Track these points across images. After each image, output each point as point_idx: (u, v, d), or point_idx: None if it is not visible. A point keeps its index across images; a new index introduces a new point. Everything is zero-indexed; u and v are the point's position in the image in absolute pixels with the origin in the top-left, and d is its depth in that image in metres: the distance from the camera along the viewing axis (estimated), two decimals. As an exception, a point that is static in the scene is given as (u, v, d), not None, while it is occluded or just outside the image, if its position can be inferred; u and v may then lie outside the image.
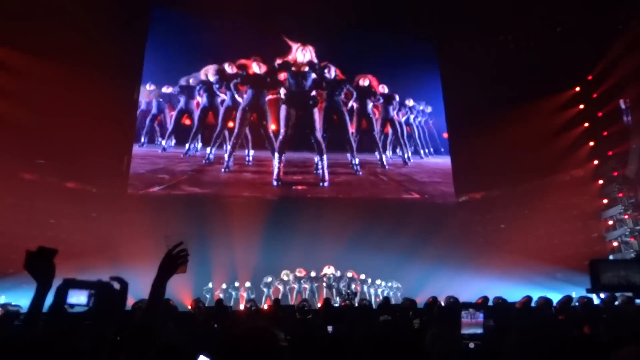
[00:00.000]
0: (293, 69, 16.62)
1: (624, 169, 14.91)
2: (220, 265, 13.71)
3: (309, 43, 16.94)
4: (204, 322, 6.24)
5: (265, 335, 1.63)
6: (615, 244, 14.88)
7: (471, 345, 1.55)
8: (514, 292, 9.77)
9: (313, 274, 14.41)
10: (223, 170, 15.55)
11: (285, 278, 14.30)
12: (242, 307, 12.38)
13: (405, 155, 17.07)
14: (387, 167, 16.75)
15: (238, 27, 16.45)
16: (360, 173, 16.37)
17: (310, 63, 16.79)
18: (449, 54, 17.64)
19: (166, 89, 15.98)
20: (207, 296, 13.22)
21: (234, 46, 16.28)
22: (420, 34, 17.56)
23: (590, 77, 16.09)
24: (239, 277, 14.04)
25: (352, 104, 16.85)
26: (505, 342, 1.22)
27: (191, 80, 16.08)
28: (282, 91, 16.32)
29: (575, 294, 9.04)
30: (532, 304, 7.44)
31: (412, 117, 17.60)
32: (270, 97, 16.30)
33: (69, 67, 13.51)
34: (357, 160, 16.37)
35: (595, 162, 15.82)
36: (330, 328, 5.31)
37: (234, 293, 13.78)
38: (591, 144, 15.98)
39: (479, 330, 1.53)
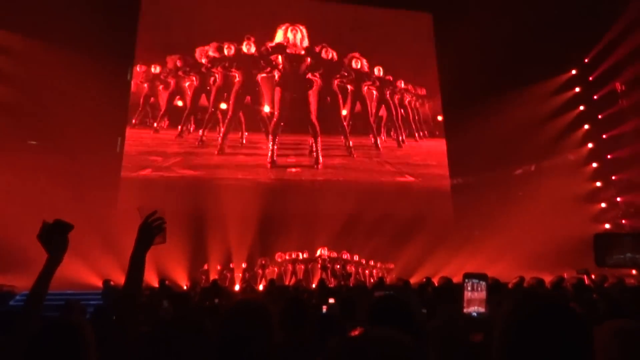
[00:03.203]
0: (288, 51, 16.42)
1: (618, 152, 15.00)
2: (215, 247, 13.76)
3: (300, 22, 16.66)
4: (199, 302, 6.29)
5: (256, 306, 1.67)
6: (607, 225, 15.06)
7: (474, 314, 1.57)
8: (506, 273, 9.89)
9: (307, 255, 14.50)
10: (217, 152, 15.48)
11: (279, 260, 14.39)
12: (237, 287, 12.48)
13: (400, 138, 17.04)
14: (381, 149, 16.73)
15: (230, 7, 16.19)
16: (354, 156, 16.34)
17: (307, 47, 16.56)
18: (445, 35, 17.47)
19: (156, 69, 15.77)
20: (203, 277, 13.29)
21: (226, 26, 16.03)
22: (416, 13, 17.35)
23: (586, 60, 16.05)
24: (234, 259, 14.11)
25: (348, 85, 16.72)
26: (498, 312, 1.23)
27: (183, 61, 15.87)
28: (277, 74, 16.15)
29: (566, 274, 9.17)
30: (524, 285, 7.54)
31: (406, 99, 17.50)
32: (263, 78, 16.12)
33: (60, 48, 13.29)
34: (350, 143, 16.32)
35: (590, 145, 15.89)
36: (324, 308, 5.40)
37: (229, 274, 13.87)
38: (586, 127, 16.02)
39: (482, 308, 1.53)
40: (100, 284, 9.19)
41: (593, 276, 8.07)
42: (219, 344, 1.63)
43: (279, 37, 16.56)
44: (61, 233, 1.96)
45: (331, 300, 5.13)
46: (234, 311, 1.68)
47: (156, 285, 7.97)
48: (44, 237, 1.94)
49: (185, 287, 8.59)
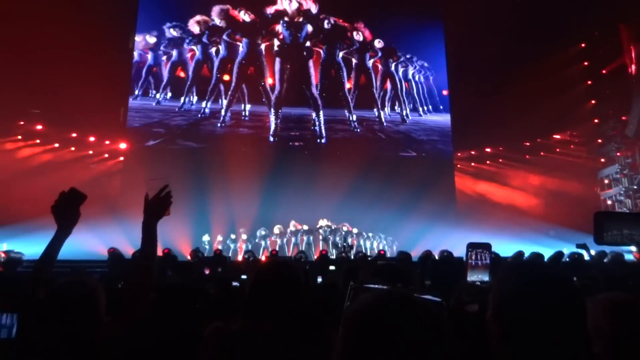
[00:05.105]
0: (286, 19, 15.96)
1: (623, 128, 14.85)
2: (218, 218, 13.89)
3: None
4: (202, 271, 6.38)
5: (288, 266, 1.77)
6: (609, 202, 15.06)
7: (477, 283, 1.59)
8: (507, 248, 9.98)
9: (306, 227, 14.59)
10: (219, 124, 15.38)
11: (277, 232, 14.48)
12: (240, 258, 12.63)
13: (404, 112, 16.86)
14: (385, 124, 16.59)
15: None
16: (358, 130, 16.22)
17: (305, 12, 16.08)
18: (452, 7, 17.05)
19: (154, 38, 15.47)
20: (206, 247, 13.44)
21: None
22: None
23: (597, 33, 15.69)
24: (236, 230, 14.25)
25: (352, 58, 16.42)
26: (495, 277, 1.24)
27: (185, 30, 15.59)
28: (276, 43, 15.82)
29: (566, 250, 9.24)
30: (524, 259, 7.62)
31: (410, 72, 17.21)
32: (267, 47, 15.83)
33: (63, 15, 13.07)
34: (354, 117, 16.18)
35: (596, 120, 15.72)
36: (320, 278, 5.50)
37: (232, 245, 14.02)
38: (593, 102, 15.81)
39: (486, 277, 1.55)
40: (104, 252, 9.32)
41: (592, 252, 8.13)
42: (249, 298, 1.69)
43: (280, 4, 16.11)
44: (75, 205, 1.97)
45: (332, 268, 5.24)
46: (269, 269, 1.73)
47: (160, 254, 8.09)
48: (58, 209, 1.94)
49: (188, 257, 8.70)
